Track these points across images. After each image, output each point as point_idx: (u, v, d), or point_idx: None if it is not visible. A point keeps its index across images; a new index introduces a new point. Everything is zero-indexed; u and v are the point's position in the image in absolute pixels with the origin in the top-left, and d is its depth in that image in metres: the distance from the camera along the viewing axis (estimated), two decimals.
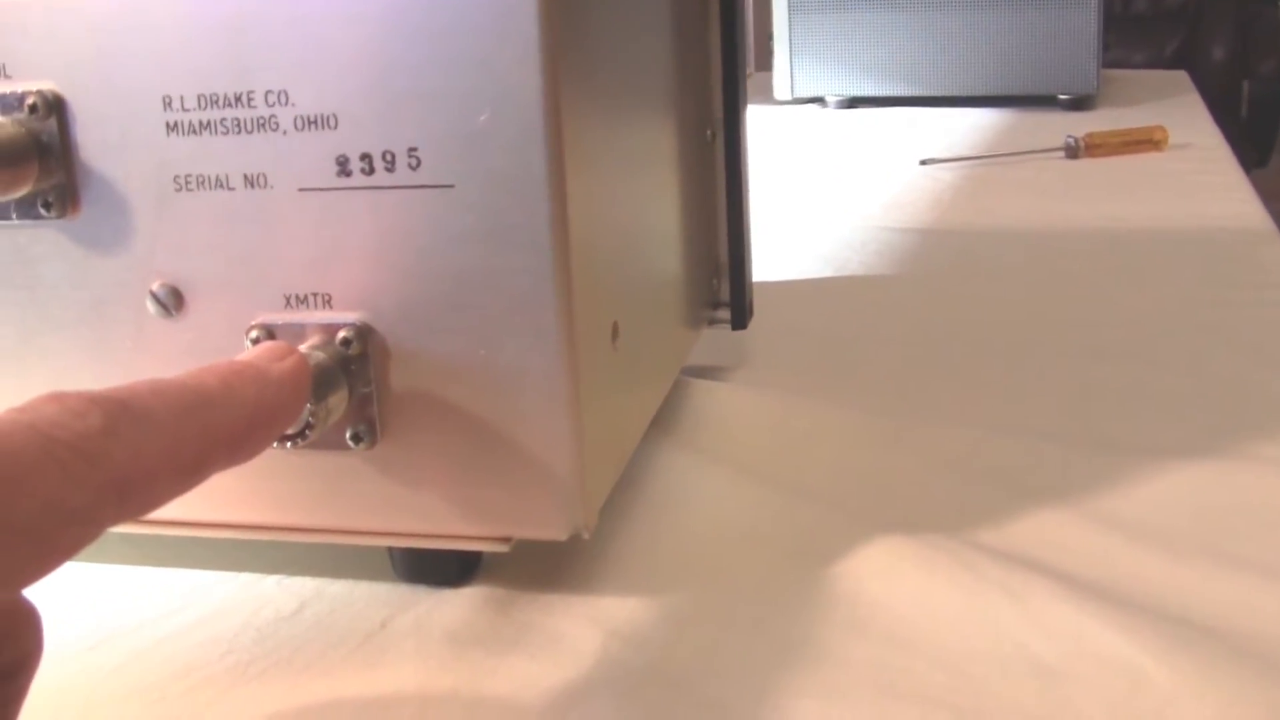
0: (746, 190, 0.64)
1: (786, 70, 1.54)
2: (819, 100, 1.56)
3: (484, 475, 0.42)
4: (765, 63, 1.63)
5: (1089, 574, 0.45)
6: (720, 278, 0.65)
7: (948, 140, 1.31)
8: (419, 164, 0.40)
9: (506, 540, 0.43)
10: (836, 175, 1.18)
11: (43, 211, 0.43)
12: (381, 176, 0.40)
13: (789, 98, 1.55)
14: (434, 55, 0.39)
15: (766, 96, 1.60)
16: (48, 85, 0.42)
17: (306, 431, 0.40)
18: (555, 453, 0.42)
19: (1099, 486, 0.52)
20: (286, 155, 0.41)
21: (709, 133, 0.62)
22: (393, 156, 0.40)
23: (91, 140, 0.42)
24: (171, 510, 0.42)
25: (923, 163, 1.16)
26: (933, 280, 0.84)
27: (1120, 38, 2.73)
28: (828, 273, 0.85)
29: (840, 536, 0.48)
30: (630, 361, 0.48)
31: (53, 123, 0.42)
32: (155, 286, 0.43)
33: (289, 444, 0.40)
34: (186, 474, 0.33)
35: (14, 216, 0.43)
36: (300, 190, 0.41)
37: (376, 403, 0.42)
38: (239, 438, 0.35)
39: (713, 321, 0.65)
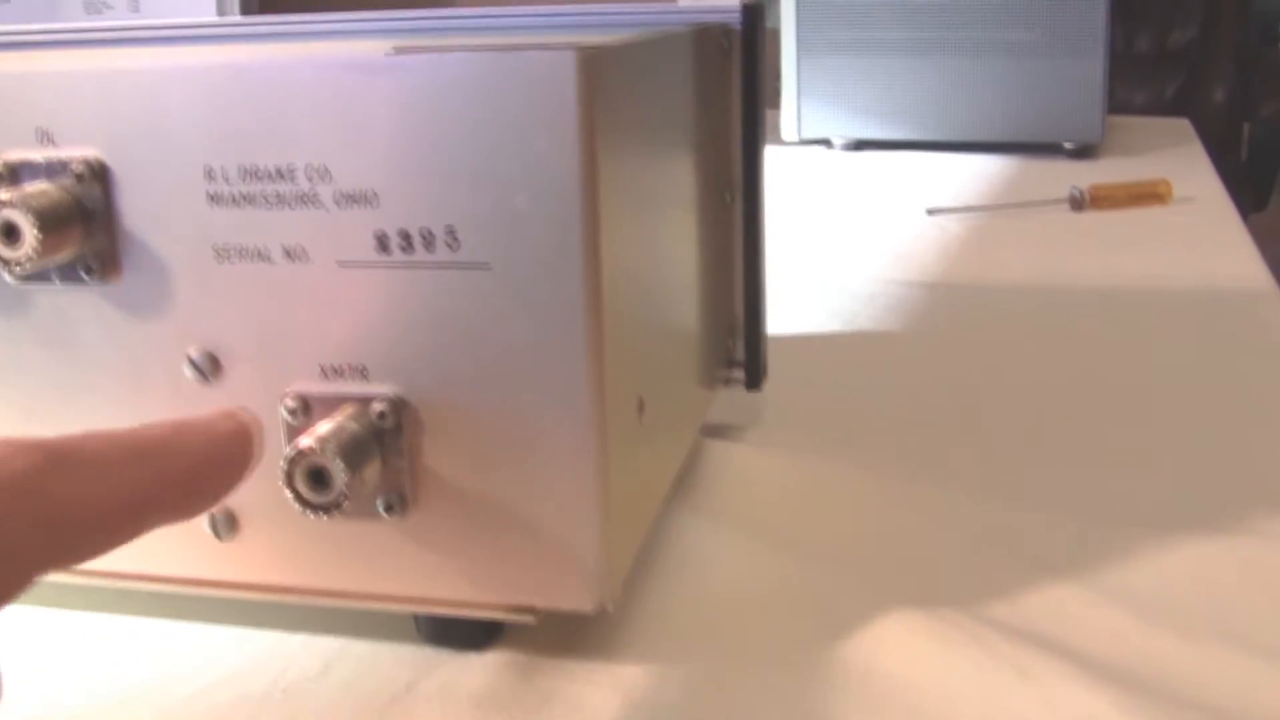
0: (763, 252, 0.65)
1: (794, 111, 1.55)
2: (825, 142, 1.57)
3: (511, 547, 0.43)
4: (773, 102, 1.64)
5: (1100, 653, 0.46)
6: (735, 337, 0.66)
7: (953, 187, 1.32)
8: (457, 244, 0.41)
9: (531, 611, 0.44)
10: (843, 221, 1.19)
11: (84, 276, 0.44)
12: (420, 255, 0.41)
13: (795, 139, 1.56)
14: (474, 137, 0.40)
15: (773, 137, 1.61)
16: (93, 152, 0.43)
17: (342, 502, 0.41)
18: (582, 527, 0.43)
19: (1109, 559, 0.53)
20: (327, 230, 0.42)
21: (727, 196, 0.63)
22: (432, 235, 0.41)
23: (134, 208, 0.43)
24: (203, 568, 0.43)
25: (930, 212, 1.17)
26: (943, 337, 0.85)
27: (1122, 78, 2.74)
28: (836, 327, 0.86)
29: (857, 605, 0.49)
30: (653, 432, 0.49)
31: (97, 189, 0.43)
32: (193, 352, 0.44)
33: (324, 514, 0.41)
34: (126, 522, 0.33)
35: (56, 280, 0.44)
36: (339, 264, 0.42)
37: (409, 473, 0.43)
38: (183, 490, 0.36)
39: (728, 381, 0.66)
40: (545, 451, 0.42)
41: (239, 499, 0.45)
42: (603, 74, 0.40)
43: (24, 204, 0.41)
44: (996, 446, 0.65)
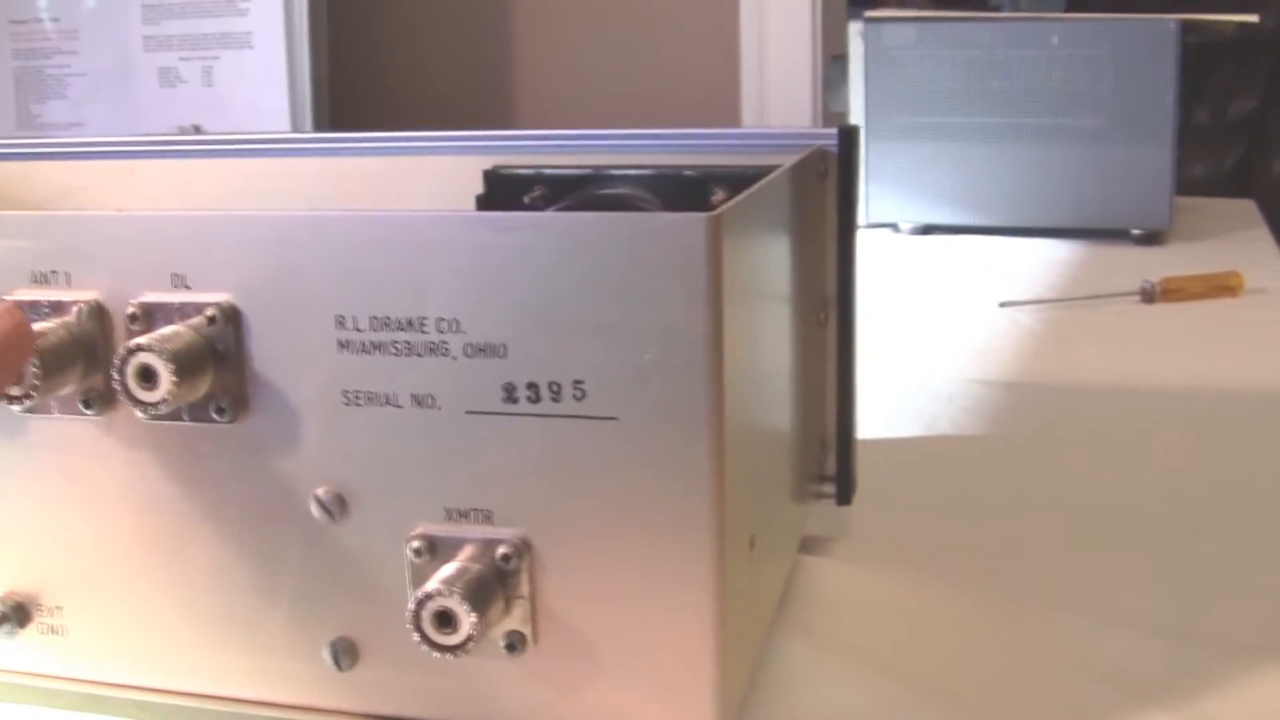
0: (855, 368, 0.66)
1: (862, 195, 1.56)
2: (892, 226, 1.58)
3: (629, 685, 0.44)
4: None
5: None
6: (826, 452, 0.67)
7: (1021, 275, 1.33)
8: (584, 396, 0.42)
9: None
10: (915, 311, 1.20)
11: (215, 416, 0.45)
12: (547, 405, 0.42)
13: (863, 222, 1.56)
14: (605, 295, 0.41)
15: None
16: (226, 297, 0.44)
17: (469, 644, 0.42)
18: (699, 666, 0.44)
19: (1204, 687, 0.53)
20: (455, 379, 0.43)
21: (822, 315, 0.64)
22: (559, 388, 0.42)
23: (265, 351, 0.45)
24: (321, 697, 0.44)
25: (1002, 305, 1.17)
26: (1023, 443, 0.85)
27: (1181, 150, 2.73)
28: (917, 430, 0.86)
29: None
30: (762, 563, 0.50)
31: (229, 332, 0.44)
32: (320, 492, 0.45)
33: (452, 655, 0.42)
34: None
35: (185, 418, 0.45)
36: (467, 412, 0.43)
37: (530, 613, 0.44)
38: None
39: (819, 496, 0.66)
40: (664, 594, 0.43)
41: (359, 630, 0.46)
42: (727, 233, 0.41)
43: (160, 348, 0.43)
44: (1087, 565, 0.66)
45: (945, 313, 1.21)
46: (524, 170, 0.65)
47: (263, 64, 1.81)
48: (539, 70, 2.00)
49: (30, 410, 0.47)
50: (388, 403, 0.44)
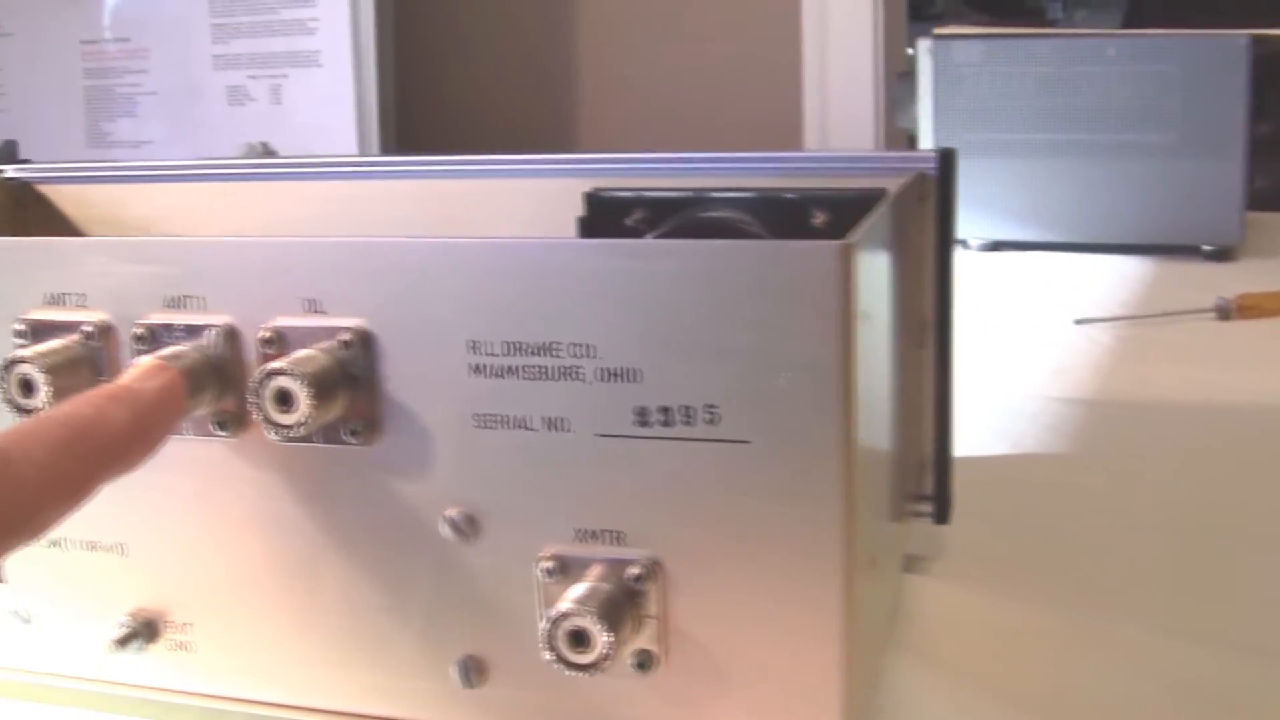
0: (953, 389, 0.67)
1: None
2: (962, 242, 1.58)
3: (756, 705, 0.45)
4: None
5: None
6: (925, 472, 0.67)
7: (1093, 291, 1.33)
8: (717, 419, 0.43)
9: None
10: (990, 327, 1.20)
11: (347, 438, 0.46)
12: (679, 429, 0.43)
13: None
14: (738, 319, 0.42)
15: None
16: (359, 322, 0.45)
17: (603, 662, 0.43)
18: (826, 685, 0.44)
19: None
20: (587, 403, 0.44)
21: (922, 337, 0.65)
22: (692, 411, 0.43)
23: (398, 375, 0.45)
24: (447, 714, 0.45)
25: (1077, 322, 1.18)
26: (1110, 461, 0.85)
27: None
28: (1003, 449, 0.87)
29: None
30: (879, 581, 0.50)
31: (363, 357, 0.45)
32: (451, 512, 0.46)
33: (586, 673, 0.43)
34: (69, 498, 0.38)
35: (318, 440, 0.46)
36: (598, 435, 0.44)
37: (660, 633, 0.45)
38: (116, 457, 0.40)
39: (917, 514, 0.67)
40: (792, 614, 0.44)
41: (487, 649, 0.47)
42: (856, 260, 0.42)
43: (298, 372, 0.44)
44: (1182, 583, 0.66)
45: (1020, 329, 1.21)
46: (625, 193, 0.66)
47: (330, 83, 1.82)
48: (600, 91, 2.01)
49: None
50: (520, 426, 0.44)
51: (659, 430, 0.43)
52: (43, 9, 1.94)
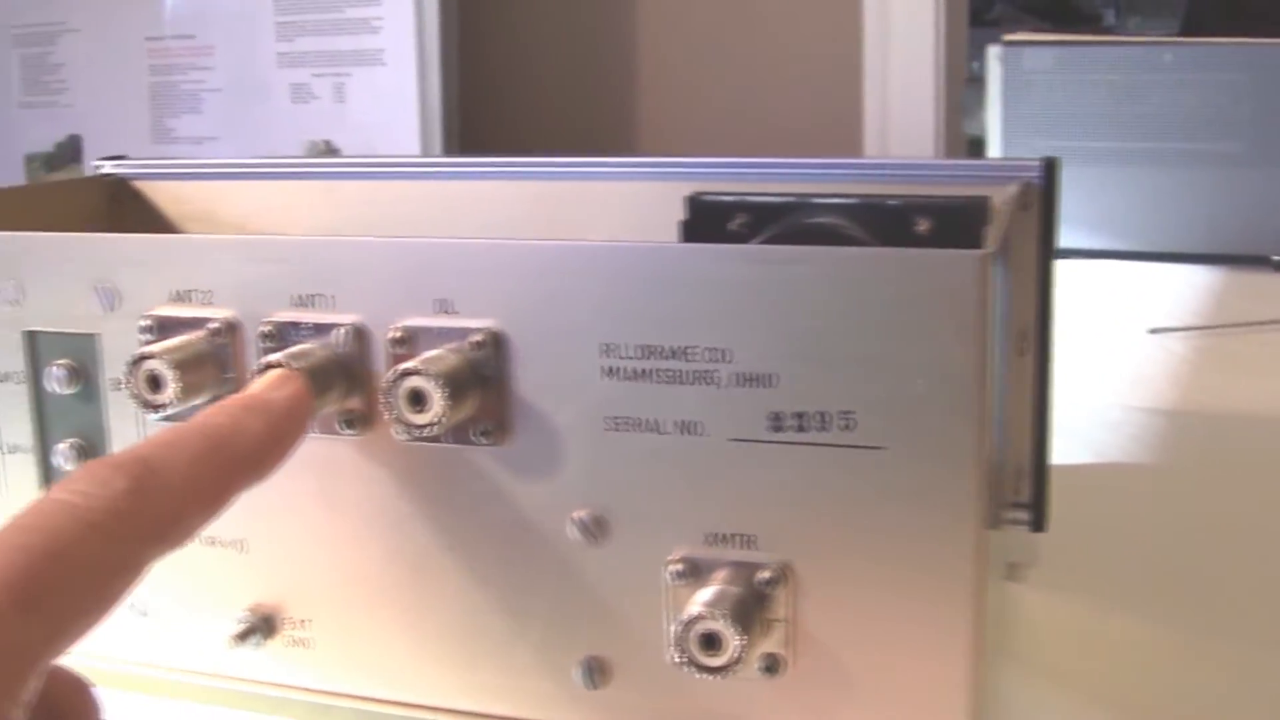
0: (1052, 397, 0.67)
1: None
2: None
3: (883, 711, 0.45)
4: None
5: None
6: (1022, 480, 0.67)
7: (1164, 302, 1.33)
8: (852, 426, 0.43)
9: None
10: (1064, 335, 1.20)
11: (477, 439, 0.46)
12: (813, 434, 0.43)
13: None
14: (875, 327, 0.42)
15: None
16: (491, 323, 0.46)
17: (736, 665, 0.43)
18: (954, 695, 0.44)
19: None
20: (721, 408, 0.44)
21: (1022, 345, 0.65)
22: (827, 417, 0.43)
23: (529, 376, 0.46)
24: (570, 715, 0.45)
25: (1151, 331, 1.17)
26: (1197, 471, 0.85)
27: None
28: (1087, 457, 0.87)
29: None
30: (990, 586, 0.50)
31: (495, 358, 0.46)
32: (579, 514, 0.46)
33: (716, 676, 0.43)
34: (211, 506, 0.38)
35: (447, 440, 0.47)
36: (732, 440, 0.44)
37: (789, 637, 0.45)
38: (252, 466, 0.41)
39: (1014, 522, 0.67)
40: (923, 622, 0.44)
41: (611, 650, 0.47)
42: (989, 272, 0.42)
43: (431, 371, 0.44)
44: (1276, 592, 0.66)
45: (1094, 338, 1.21)
46: (727, 197, 0.66)
47: (394, 82, 1.83)
48: (660, 96, 2.01)
49: None
50: (652, 429, 0.45)
51: (793, 435, 0.43)
52: (109, 6, 1.95)
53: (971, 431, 0.42)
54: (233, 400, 0.43)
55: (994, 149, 1.54)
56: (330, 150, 1.84)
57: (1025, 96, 1.52)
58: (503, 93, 2.01)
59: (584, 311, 0.45)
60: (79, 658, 0.52)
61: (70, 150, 1.98)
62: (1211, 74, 1.47)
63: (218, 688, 0.54)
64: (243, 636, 0.51)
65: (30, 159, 2.00)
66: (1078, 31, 1.96)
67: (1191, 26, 2.62)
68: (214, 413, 0.42)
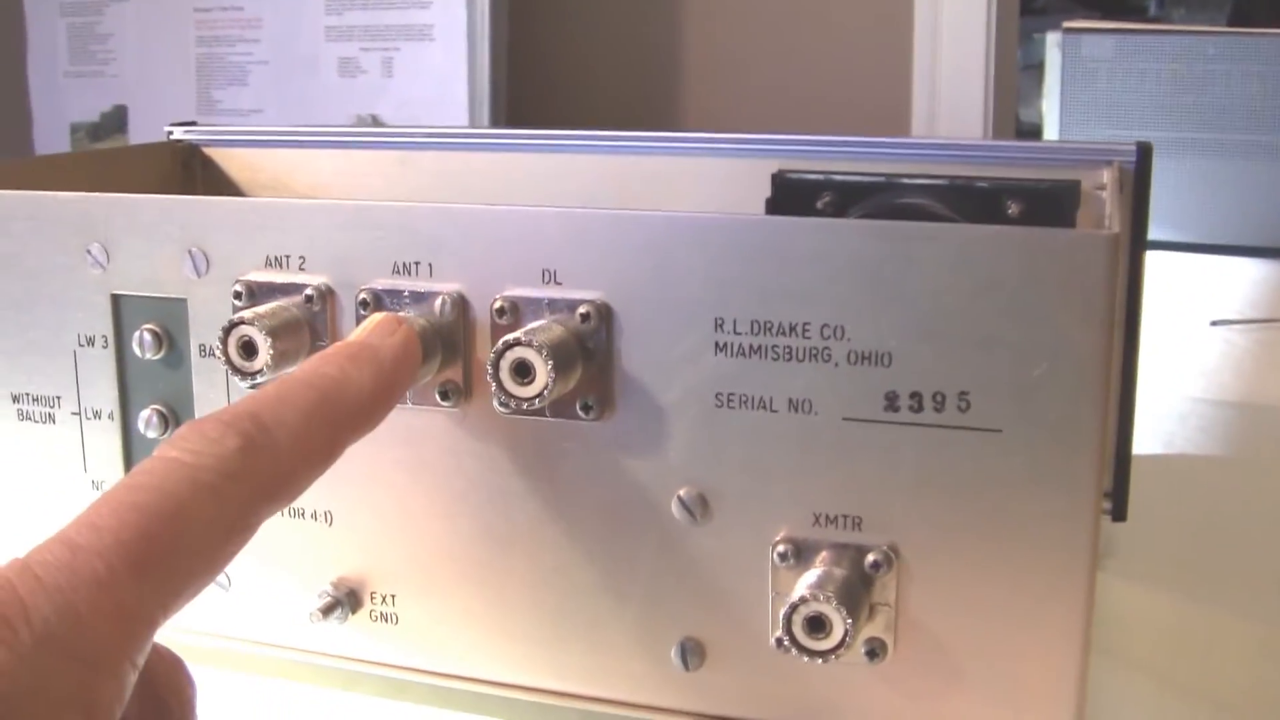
0: (1136, 385, 0.66)
1: None
2: None
3: (989, 699, 0.44)
4: None
5: None
6: (1105, 468, 0.66)
7: (1224, 294, 1.31)
8: (968, 407, 0.42)
9: None
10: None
11: (581, 413, 0.46)
12: (929, 415, 0.42)
13: None
14: (997, 307, 0.41)
15: None
16: (599, 295, 0.45)
17: (842, 649, 0.42)
18: (1063, 683, 0.43)
19: None
20: (835, 386, 0.43)
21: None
22: (943, 398, 0.42)
23: (636, 351, 0.45)
24: (665, 697, 0.45)
25: (1213, 324, 1.16)
26: (1266, 464, 0.84)
27: None
28: (1156, 448, 0.86)
29: None
30: None
31: (601, 331, 0.45)
32: (683, 492, 0.45)
33: (823, 660, 0.42)
34: (322, 461, 0.38)
35: (548, 414, 0.46)
36: (845, 419, 0.43)
37: (894, 622, 0.44)
38: (362, 418, 0.40)
39: None
40: (1034, 608, 0.43)
41: (708, 632, 0.46)
42: (1117, 253, 0.41)
43: (538, 342, 0.43)
44: None
45: (1156, 330, 1.19)
46: (813, 175, 0.65)
47: (443, 57, 1.82)
48: (708, 73, 2.00)
49: None
50: (762, 406, 0.44)
51: (908, 416, 0.42)
52: None
53: (1094, 415, 0.41)
54: (339, 349, 0.42)
55: (1050, 136, 1.52)
56: (378, 124, 1.84)
57: (1084, 84, 1.51)
58: (550, 72, 2.00)
59: (694, 285, 0.44)
60: (163, 630, 0.52)
61: (116, 120, 1.98)
62: (1273, 64, 1.45)
63: (299, 661, 0.53)
64: (327, 610, 0.51)
65: (75, 128, 1.99)
66: (1123, 21, 1.94)
67: (1239, 18, 2.60)
68: (321, 363, 0.41)
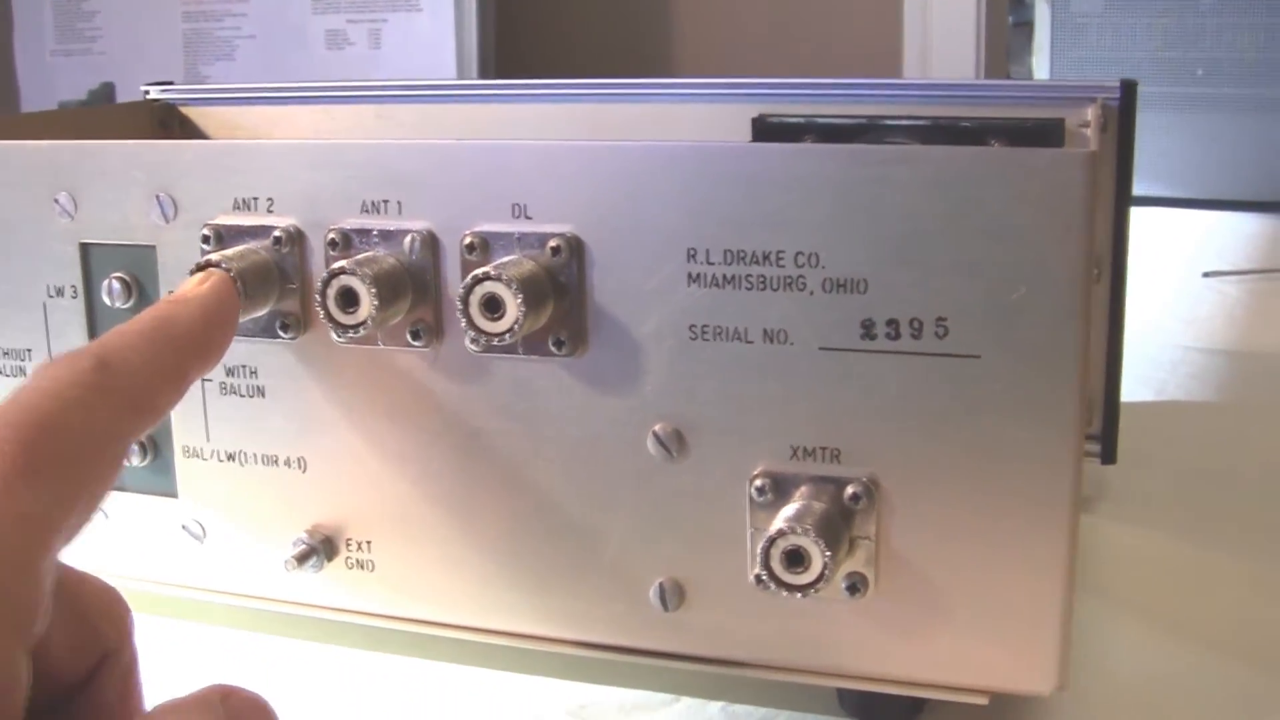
0: (1124, 327, 0.65)
1: None
2: None
3: (972, 631, 0.43)
4: None
5: None
6: (1094, 412, 0.65)
7: (1217, 247, 1.31)
8: (946, 333, 0.41)
9: (983, 694, 0.44)
10: None
11: (553, 349, 0.45)
12: (906, 342, 0.41)
13: None
14: (974, 229, 0.40)
15: None
16: (569, 229, 0.44)
17: (820, 583, 0.41)
18: (1048, 611, 0.43)
19: None
20: (811, 315, 0.42)
21: (1095, 271, 0.63)
22: (920, 324, 0.41)
23: (608, 284, 0.44)
24: (645, 639, 0.44)
25: (1206, 275, 1.15)
26: (1260, 411, 0.84)
27: None
28: (1148, 395, 0.85)
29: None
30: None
31: (572, 265, 0.44)
32: (658, 428, 0.45)
33: (801, 594, 0.41)
34: (174, 379, 0.39)
35: (521, 351, 0.45)
36: (821, 349, 0.42)
37: (874, 555, 0.43)
38: (199, 343, 0.41)
39: (1085, 454, 0.65)
40: (1017, 539, 0.42)
41: (688, 571, 0.45)
42: (1095, 172, 0.40)
43: (506, 276, 0.42)
44: None
45: (1149, 282, 1.19)
46: (794, 119, 0.65)
47: (430, 28, 1.81)
48: (699, 30, 1.98)
49: (357, 341, 0.46)
50: (737, 338, 0.43)
51: (885, 344, 0.42)
52: None
53: (1074, 338, 0.40)
54: (160, 302, 0.44)
55: None
56: None
57: (1074, 40, 1.50)
58: (539, 38, 1.99)
59: (667, 215, 0.43)
60: (135, 582, 0.51)
61: (104, 98, 1.97)
62: (1264, 17, 1.44)
63: (275, 612, 0.53)
64: (302, 559, 0.50)
65: (64, 107, 1.98)
66: None
67: None
68: (150, 309, 0.42)
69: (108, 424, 0.35)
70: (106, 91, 1.96)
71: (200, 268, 0.45)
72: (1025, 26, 1.51)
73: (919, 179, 0.40)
